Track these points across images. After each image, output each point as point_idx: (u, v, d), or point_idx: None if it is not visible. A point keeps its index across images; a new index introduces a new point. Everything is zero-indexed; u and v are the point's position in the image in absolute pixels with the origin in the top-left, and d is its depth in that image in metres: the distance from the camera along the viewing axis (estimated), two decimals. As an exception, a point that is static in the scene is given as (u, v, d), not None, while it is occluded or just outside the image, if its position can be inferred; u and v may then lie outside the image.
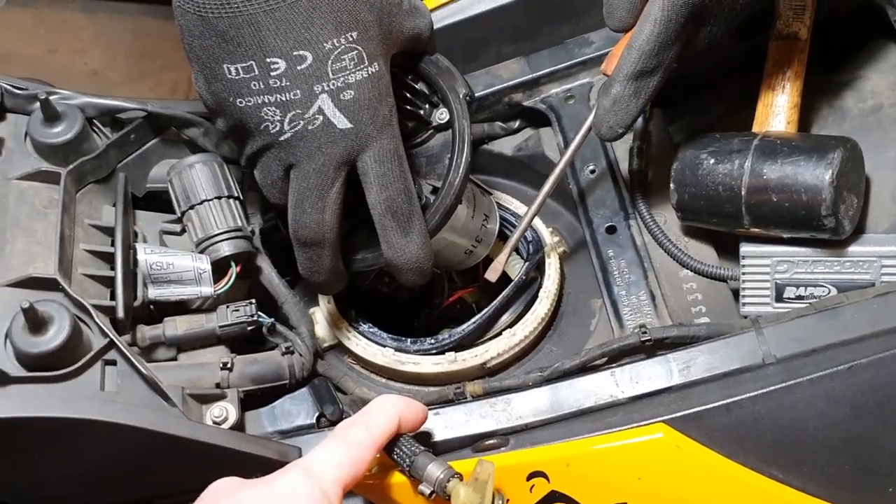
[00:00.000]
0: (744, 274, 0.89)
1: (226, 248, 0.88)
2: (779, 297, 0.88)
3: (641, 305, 0.90)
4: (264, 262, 0.92)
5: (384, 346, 0.92)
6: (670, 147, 0.98)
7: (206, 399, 0.83)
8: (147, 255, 0.85)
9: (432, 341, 0.92)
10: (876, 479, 0.76)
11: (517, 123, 1.08)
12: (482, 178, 1.03)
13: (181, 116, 0.93)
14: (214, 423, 0.82)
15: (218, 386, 0.85)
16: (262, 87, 0.78)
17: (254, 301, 0.87)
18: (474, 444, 0.82)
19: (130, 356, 0.79)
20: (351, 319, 0.95)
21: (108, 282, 0.85)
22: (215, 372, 0.86)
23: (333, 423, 0.86)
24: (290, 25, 0.76)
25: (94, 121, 0.91)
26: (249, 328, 0.87)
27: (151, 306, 0.87)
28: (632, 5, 0.83)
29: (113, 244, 0.86)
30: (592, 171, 1.00)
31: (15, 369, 0.75)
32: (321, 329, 0.96)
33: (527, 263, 0.95)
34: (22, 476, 0.82)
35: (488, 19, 1.04)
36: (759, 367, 0.79)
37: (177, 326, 0.86)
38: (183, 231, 0.92)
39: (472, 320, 0.92)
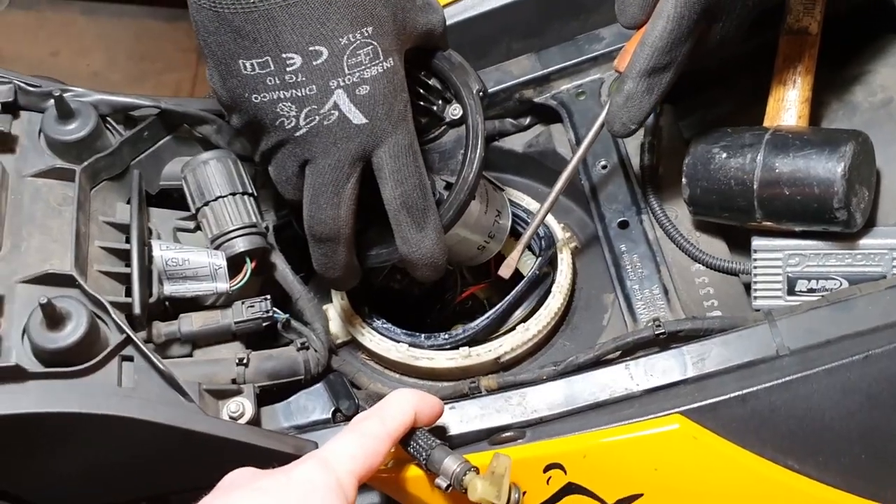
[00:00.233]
0: (756, 268, 0.89)
1: (241, 245, 0.88)
2: (791, 291, 0.88)
3: (654, 299, 0.90)
4: (278, 259, 0.92)
5: (398, 342, 0.92)
6: (681, 142, 0.98)
7: (222, 395, 0.84)
8: (163, 252, 0.85)
9: (446, 336, 0.92)
10: (892, 468, 0.76)
11: (528, 120, 1.08)
12: (493, 174, 1.03)
13: (194, 113, 0.94)
14: (231, 418, 0.82)
15: (234, 381, 0.85)
16: (277, 82, 0.78)
17: (269, 297, 0.88)
18: (490, 437, 0.83)
19: (147, 352, 0.79)
20: (364, 315, 0.95)
21: (124, 278, 0.85)
22: (231, 368, 0.86)
23: (349, 418, 0.87)
24: (306, 21, 0.76)
25: (108, 118, 0.91)
26: (264, 324, 0.87)
27: (167, 303, 0.87)
28: (644, 2, 0.83)
29: (128, 241, 0.86)
30: (604, 167, 1.00)
31: (33, 365, 0.76)
32: (335, 325, 0.96)
33: (539, 259, 0.95)
34: (39, 472, 0.82)
35: (498, 16, 1.05)
36: (773, 359, 0.79)
37: (192, 322, 0.86)
38: (196, 228, 0.93)
39: (486, 315, 0.92)
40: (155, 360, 0.79)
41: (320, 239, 0.84)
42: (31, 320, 0.76)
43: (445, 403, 0.83)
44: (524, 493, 0.76)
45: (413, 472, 0.80)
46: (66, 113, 0.87)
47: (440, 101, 0.92)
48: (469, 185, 0.86)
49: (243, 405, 0.83)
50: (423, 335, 0.93)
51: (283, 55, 0.77)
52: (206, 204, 0.90)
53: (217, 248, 0.88)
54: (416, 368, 0.92)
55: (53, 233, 0.83)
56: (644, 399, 0.80)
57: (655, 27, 0.81)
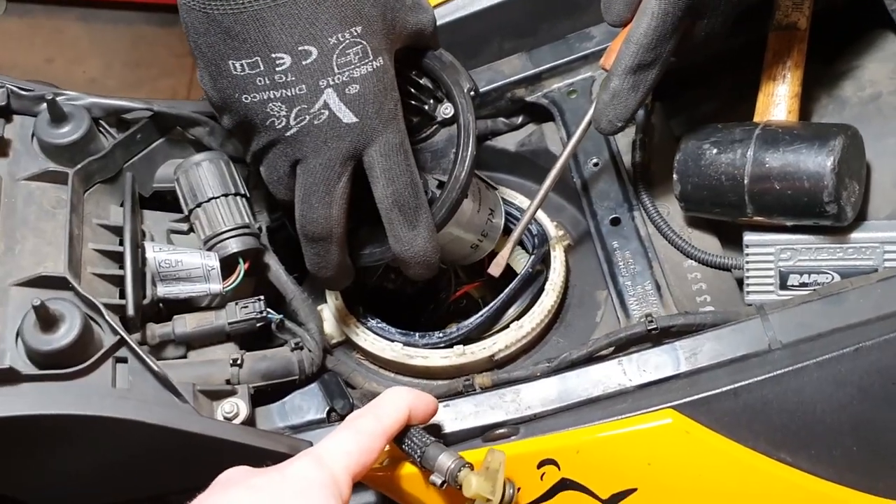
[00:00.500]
0: (748, 262, 0.89)
1: (234, 245, 0.89)
2: (783, 285, 0.88)
3: (647, 295, 0.91)
4: (272, 259, 0.92)
5: (392, 341, 0.93)
6: (672, 139, 0.99)
7: (216, 395, 0.84)
8: (156, 253, 0.85)
9: (440, 335, 0.92)
10: (884, 460, 0.76)
11: (520, 119, 1.09)
12: (486, 173, 1.03)
13: (186, 116, 0.94)
14: (225, 418, 0.83)
15: (228, 382, 0.86)
16: (267, 82, 0.79)
17: (262, 298, 0.88)
18: (484, 434, 0.83)
19: (141, 353, 0.79)
20: (359, 315, 0.95)
21: (117, 280, 0.85)
22: (225, 368, 0.86)
23: (343, 418, 0.87)
24: (295, 21, 0.77)
25: (101, 121, 0.92)
26: (258, 325, 0.88)
27: (161, 304, 0.87)
28: (629, 0, 0.83)
29: (121, 243, 0.87)
30: (595, 164, 1.00)
31: (27, 367, 0.76)
32: (329, 326, 0.96)
33: (532, 256, 0.96)
34: (35, 474, 0.82)
35: (489, 15, 1.05)
36: (765, 353, 0.79)
37: (186, 324, 0.87)
38: (190, 230, 0.93)
39: (480, 313, 0.93)
40: (149, 361, 0.79)
41: (313, 238, 0.84)
42: (25, 323, 0.76)
43: (440, 401, 0.83)
44: (518, 489, 0.76)
45: (408, 470, 0.80)
46: (58, 116, 0.88)
47: (431, 101, 0.92)
48: (461, 183, 0.86)
49: (238, 406, 0.83)
50: (417, 334, 0.93)
51: (273, 55, 0.77)
52: (199, 205, 0.90)
53: (210, 249, 0.88)
54: (410, 367, 0.93)
55: (47, 235, 0.83)
56: (637, 394, 0.81)
57: (640, 24, 0.81)
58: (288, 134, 0.80)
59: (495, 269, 0.92)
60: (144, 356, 0.79)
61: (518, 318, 0.93)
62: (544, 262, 0.97)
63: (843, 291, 0.81)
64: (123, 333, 0.79)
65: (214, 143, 0.95)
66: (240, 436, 0.80)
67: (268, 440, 0.82)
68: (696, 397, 0.77)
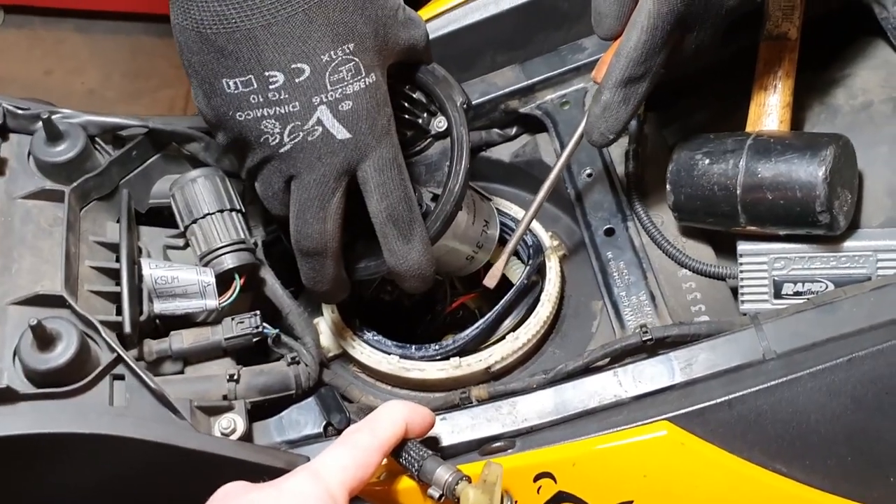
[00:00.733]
0: (742, 272, 0.90)
1: (229, 261, 0.89)
2: (777, 294, 0.89)
3: (642, 306, 0.91)
4: (268, 274, 0.92)
5: (389, 354, 0.93)
6: (665, 149, 0.99)
7: (213, 411, 0.84)
8: (152, 270, 0.85)
9: (436, 347, 0.93)
10: (878, 470, 0.77)
11: (514, 130, 1.09)
12: (481, 184, 1.04)
13: (182, 132, 0.94)
14: (223, 434, 0.83)
15: (225, 398, 0.86)
16: (261, 100, 0.79)
17: (258, 312, 0.88)
18: (481, 447, 0.83)
19: (138, 370, 0.79)
20: (355, 328, 0.96)
21: (114, 297, 0.85)
22: (222, 384, 0.86)
23: (340, 432, 0.87)
24: (288, 39, 0.77)
25: (96, 139, 0.92)
26: (255, 339, 0.88)
27: (157, 321, 0.88)
28: (619, 13, 0.84)
29: (118, 260, 0.87)
30: (589, 175, 1.01)
31: (24, 386, 0.76)
32: (326, 339, 0.97)
33: (527, 267, 0.96)
34: (33, 492, 0.82)
35: (482, 28, 1.06)
36: (759, 363, 0.80)
37: (183, 340, 0.87)
38: (186, 245, 0.93)
39: (476, 325, 0.93)
40: (146, 378, 0.79)
41: (308, 253, 0.85)
42: (22, 342, 0.77)
43: (437, 414, 0.84)
44: (516, 502, 0.77)
45: (405, 484, 0.80)
46: (54, 135, 0.88)
47: (425, 114, 0.93)
48: (455, 196, 0.87)
49: (235, 421, 0.83)
50: (413, 347, 0.93)
51: (266, 73, 0.78)
52: (195, 221, 0.90)
53: (206, 265, 0.89)
54: (407, 380, 0.93)
55: (44, 254, 0.83)
56: (633, 406, 0.81)
57: (630, 38, 0.81)
58: (282, 150, 0.81)
59: (490, 281, 0.92)
60: (141, 373, 0.79)
61: (514, 329, 0.93)
62: (540, 272, 0.97)
63: (837, 300, 0.82)
64: (120, 351, 0.80)
65: (210, 159, 0.96)
66: (237, 451, 0.81)
67: (265, 455, 0.82)
68: (690, 409, 0.77)
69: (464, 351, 0.93)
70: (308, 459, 0.83)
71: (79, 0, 2.38)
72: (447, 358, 0.92)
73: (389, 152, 0.82)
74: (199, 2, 0.77)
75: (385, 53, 0.83)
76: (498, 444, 0.82)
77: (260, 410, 0.88)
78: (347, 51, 0.79)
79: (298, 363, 0.89)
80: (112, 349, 0.80)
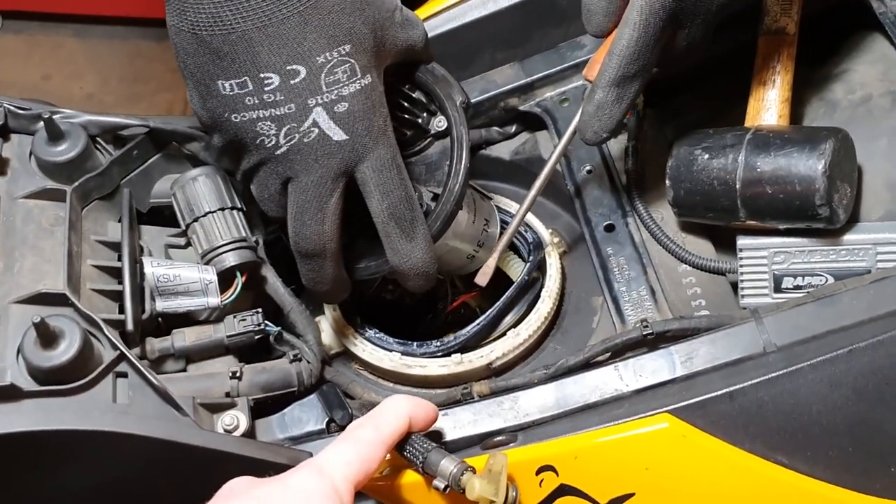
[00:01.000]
0: (742, 266, 0.90)
1: (231, 259, 0.89)
2: (777, 288, 0.89)
3: (642, 301, 0.91)
4: (269, 272, 0.92)
5: (390, 351, 0.93)
6: (665, 145, 0.99)
7: (216, 408, 0.84)
8: (154, 268, 0.86)
9: (438, 344, 0.93)
10: (879, 460, 0.77)
11: (514, 128, 1.10)
12: (481, 182, 1.04)
13: (182, 131, 0.95)
14: (226, 431, 0.83)
15: (228, 395, 0.86)
16: (256, 102, 0.79)
17: (260, 310, 0.88)
18: (483, 442, 0.83)
19: (141, 368, 0.80)
20: (357, 326, 0.96)
21: (116, 296, 0.86)
22: (225, 381, 0.87)
23: (343, 429, 0.87)
24: (283, 41, 0.78)
25: (97, 138, 0.92)
26: (257, 337, 0.88)
27: (159, 319, 0.88)
28: (609, 10, 0.84)
29: (120, 259, 0.87)
30: (589, 171, 1.01)
31: (28, 384, 0.76)
32: (327, 337, 0.97)
33: (528, 264, 0.96)
34: (36, 490, 0.82)
35: (481, 26, 1.06)
36: (760, 356, 0.80)
37: (185, 338, 0.87)
38: (187, 244, 0.93)
39: (477, 322, 0.93)
40: (149, 375, 0.79)
41: (307, 254, 0.85)
42: (26, 340, 0.77)
43: (439, 410, 0.84)
44: (519, 493, 0.77)
45: (409, 478, 0.80)
46: (55, 134, 0.88)
47: (425, 114, 0.93)
48: (455, 195, 0.87)
49: (238, 418, 0.84)
50: (415, 344, 0.94)
51: (261, 75, 0.78)
52: (196, 220, 0.90)
53: (207, 263, 0.89)
54: (409, 377, 0.93)
55: (46, 253, 0.84)
56: (634, 399, 0.81)
57: (622, 36, 0.82)
58: (278, 152, 0.81)
59: (482, 279, 0.92)
60: (144, 370, 0.80)
61: (515, 325, 0.94)
62: (540, 269, 0.97)
63: (837, 293, 0.82)
64: (123, 348, 0.80)
65: (210, 158, 0.96)
66: (240, 448, 0.81)
67: (268, 452, 0.82)
68: (691, 401, 0.77)
69: (465, 347, 0.93)
70: (311, 455, 0.83)
71: (77, 5, 2.39)
72: (449, 354, 0.92)
73: (387, 152, 0.83)
74: (194, 4, 0.77)
75: (382, 55, 0.83)
76: (500, 438, 0.82)
77: (262, 407, 0.88)
78: (343, 52, 0.80)
79: (300, 360, 0.89)
80: (115, 347, 0.80)
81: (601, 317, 0.95)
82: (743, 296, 0.90)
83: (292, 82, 0.79)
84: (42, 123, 0.88)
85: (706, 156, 0.89)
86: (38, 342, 0.76)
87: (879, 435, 0.76)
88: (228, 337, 0.87)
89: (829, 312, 0.81)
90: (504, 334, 0.93)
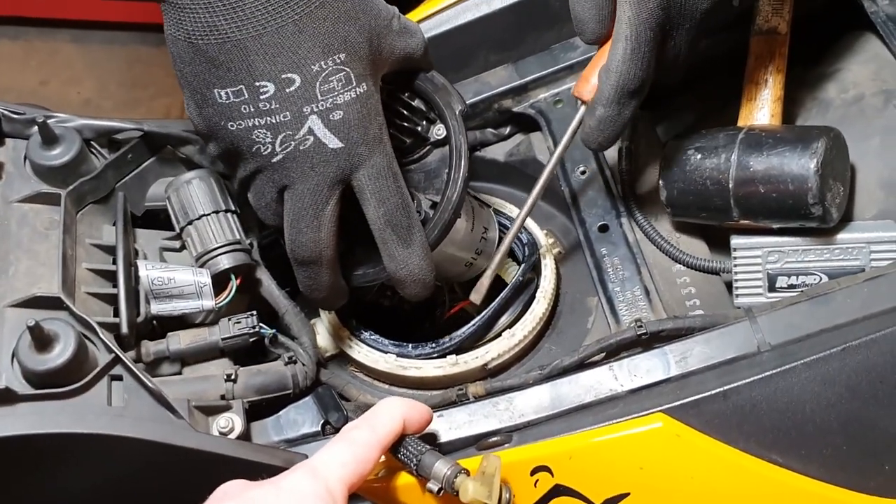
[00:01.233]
0: (736, 266, 0.90)
1: (225, 262, 0.89)
2: (771, 287, 0.89)
3: (636, 301, 0.91)
4: (263, 275, 0.93)
5: (386, 353, 0.93)
6: (658, 146, 1.00)
7: (211, 411, 0.84)
8: (148, 271, 0.86)
9: (433, 345, 0.93)
10: (873, 458, 0.77)
11: (508, 129, 1.10)
12: (476, 184, 1.04)
13: (177, 134, 0.95)
14: (221, 433, 0.83)
15: (223, 398, 0.86)
16: (252, 110, 0.80)
17: (255, 313, 0.89)
18: (478, 442, 0.83)
19: (136, 371, 0.80)
20: (352, 328, 0.96)
21: (111, 299, 0.86)
22: (220, 384, 0.87)
23: (338, 431, 0.87)
24: (278, 49, 0.78)
25: (92, 142, 0.92)
26: (251, 340, 0.88)
27: (154, 322, 0.88)
28: (599, 16, 0.85)
29: (114, 262, 0.88)
30: (583, 173, 1.01)
31: (22, 387, 0.76)
32: (323, 339, 0.97)
33: (523, 265, 0.96)
34: (32, 494, 0.82)
35: (475, 28, 1.06)
36: (754, 355, 0.80)
37: (180, 340, 0.87)
38: (182, 247, 0.94)
39: (472, 323, 0.93)
40: (144, 378, 0.80)
41: (303, 262, 0.85)
42: (20, 343, 0.77)
43: (434, 411, 0.84)
44: (513, 495, 0.77)
45: (404, 480, 0.80)
46: (50, 138, 0.88)
47: (424, 122, 0.94)
48: (454, 204, 0.87)
49: (233, 420, 0.84)
50: (410, 345, 0.94)
51: (257, 83, 0.79)
52: (191, 223, 0.91)
53: (202, 266, 0.89)
54: (404, 378, 0.93)
55: (41, 257, 0.84)
56: (628, 399, 0.81)
57: (616, 52, 0.82)
58: (274, 160, 0.81)
59: (476, 296, 0.92)
60: (139, 373, 0.80)
61: (510, 326, 0.94)
62: (535, 270, 0.97)
63: (831, 292, 0.82)
64: (118, 351, 0.80)
65: (205, 161, 0.96)
66: (235, 450, 0.81)
67: (263, 454, 0.82)
68: (686, 400, 0.77)
69: (460, 348, 0.93)
70: (306, 457, 0.83)
71: (74, 10, 2.39)
72: (444, 356, 0.92)
73: (383, 160, 0.83)
74: (190, 13, 0.77)
75: (378, 63, 0.84)
76: (495, 438, 0.83)
77: (258, 410, 0.88)
78: (338, 61, 0.80)
79: (296, 363, 0.90)
80: (110, 350, 0.80)
81: (596, 317, 0.95)
82: (737, 295, 0.90)
83: (287, 91, 0.79)
84: (36, 128, 0.88)
85: (699, 156, 0.89)
86: (33, 346, 0.76)
87: (873, 433, 0.76)
88: (223, 340, 0.87)
89: (823, 311, 0.81)
90: (499, 335, 0.93)
